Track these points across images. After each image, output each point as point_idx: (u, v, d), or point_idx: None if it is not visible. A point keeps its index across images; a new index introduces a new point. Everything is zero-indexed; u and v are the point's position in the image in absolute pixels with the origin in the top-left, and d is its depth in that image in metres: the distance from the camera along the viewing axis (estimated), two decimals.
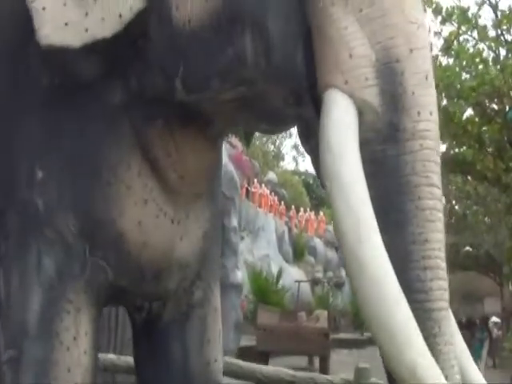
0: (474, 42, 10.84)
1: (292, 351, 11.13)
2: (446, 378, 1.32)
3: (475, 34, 10.96)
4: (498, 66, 9.72)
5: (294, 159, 41.70)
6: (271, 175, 21.21)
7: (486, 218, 19.18)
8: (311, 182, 25.85)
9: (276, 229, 18.20)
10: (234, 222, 10.50)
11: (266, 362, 10.91)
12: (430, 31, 10.85)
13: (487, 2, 10.82)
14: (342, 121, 1.40)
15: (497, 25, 10.51)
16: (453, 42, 10.27)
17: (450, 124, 10.51)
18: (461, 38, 10.52)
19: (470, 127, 10.77)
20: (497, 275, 21.28)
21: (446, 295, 1.41)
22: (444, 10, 10.52)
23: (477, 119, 10.69)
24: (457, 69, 9.75)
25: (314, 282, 14.51)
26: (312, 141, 1.50)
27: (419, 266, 1.37)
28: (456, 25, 10.42)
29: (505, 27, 10.54)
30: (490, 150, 10.98)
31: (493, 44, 10.70)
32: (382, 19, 1.44)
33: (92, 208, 1.69)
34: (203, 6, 1.52)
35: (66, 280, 1.65)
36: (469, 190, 15.97)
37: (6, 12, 1.71)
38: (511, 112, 9.55)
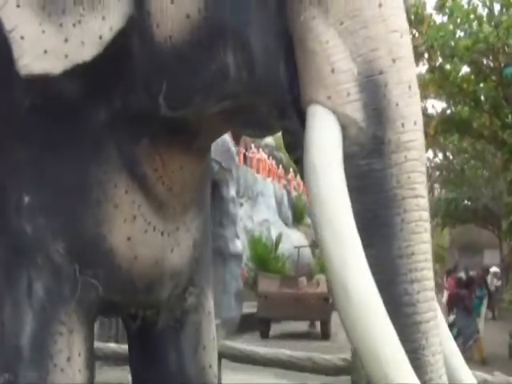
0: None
1: (293, 317, 11.31)
2: None
3: None
4: (493, 23, 9.58)
5: None
6: (268, 139, 21.10)
7: (484, 171, 19.26)
8: None
9: (275, 193, 18.25)
10: (232, 192, 10.52)
11: (267, 329, 11.17)
12: None
13: None
14: (325, 140, 1.40)
15: None
16: None
17: (445, 83, 10.46)
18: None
19: (466, 85, 10.70)
20: (495, 228, 21.49)
21: (434, 305, 1.43)
22: None
23: (472, 77, 10.59)
24: (451, 27, 9.61)
25: (314, 246, 14.62)
26: (298, 152, 1.49)
27: (406, 279, 1.38)
28: None
29: None
30: (485, 107, 10.91)
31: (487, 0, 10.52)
32: (363, 31, 1.42)
33: (81, 228, 1.70)
34: (184, 22, 1.50)
35: (57, 302, 1.67)
36: (466, 146, 15.97)
37: None
38: (507, 69, 9.45)
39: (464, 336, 9.69)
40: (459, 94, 10.94)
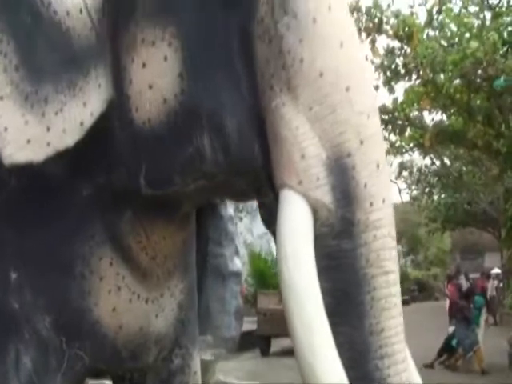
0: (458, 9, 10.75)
1: None
2: None
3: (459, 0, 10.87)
4: (484, 32, 9.62)
5: None
6: None
7: (482, 176, 19.24)
8: None
9: None
10: (230, 210, 10.50)
11: (267, 347, 11.12)
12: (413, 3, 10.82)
13: None
14: (296, 225, 1.43)
15: None
16: (438, 12, 10.16)
17: (438, 95, 10.52)
18: (444, 8, 10.40)
19: (459, 96, 10.76)
20: (496, 230, 21.47)
21: (404, 377, 1.46)
22: None
23: (464, 88, 10.64)
24: (442, 41, 9.68)
25: None
26: (273, 225, 1.52)
27: (377, 355, 1.42)
28: None
29: None
30: (479, 117, 10.96)
31: (477, 8, 10.60)
32: (331, 116, 1.46)
33: (67, 302, 1.73)
34: (161, 106, 1.55)
35: (45, 375, 1.70)
36: (462, 153, 16.00)
37: None
38: (497, 81, 9.51)
39: (464, 347, 9.74)
40: (453, 105, 11.02)
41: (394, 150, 15.01)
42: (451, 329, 10.18)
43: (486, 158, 13.92)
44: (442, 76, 9.77)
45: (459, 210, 21.33)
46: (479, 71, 9.57)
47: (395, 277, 1.47)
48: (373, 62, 10.81)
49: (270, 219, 1.57)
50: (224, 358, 3.85)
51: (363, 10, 10.25)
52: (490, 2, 10.64)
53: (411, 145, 14.67)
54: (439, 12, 10.18)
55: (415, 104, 11.47)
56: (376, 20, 10.06)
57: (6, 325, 1.71)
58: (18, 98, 1.50)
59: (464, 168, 18.92)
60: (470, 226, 23.62)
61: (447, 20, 10.58)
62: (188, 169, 1.58)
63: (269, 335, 10.78)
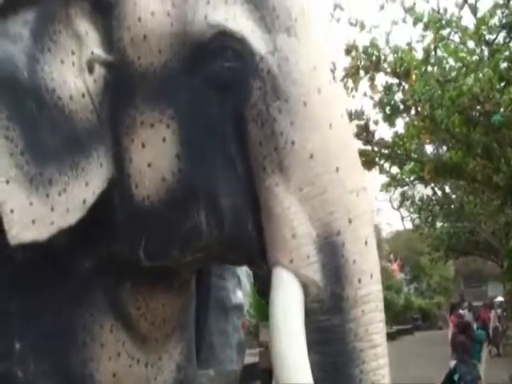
0: (455, 45, 10.95)
1: None
2: None
3: (456, 37, 11.07)
4: (482, 68, 9.78)
5: None
6: None
7: (483, 205, 19.26)
8: None
9: None
10: None
11: (269, 380, 11.02)
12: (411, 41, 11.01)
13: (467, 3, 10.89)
14: (288, 306, 1.51)
15: (476, 28, 10.59)
16: (434, 49, 10.35)
17: (437, 130, 10.66)
18: (441, 44, 10.60)
19: (458, 130, 10.91)
20: (498, 259, 21.43)
21: None
22: (426, 16, 10.60)
23: (463, 123, 10.78)
24: (439, 78, 9.85)
25: None
26: (268, 296, 1.60)
27: None
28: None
29: (484, 27, 10.63)
30: (478, 151, 11.09)
31: (474, 43, 10.79)
32: (321, 196, 1.52)
33: (70, 369, 1.80)
34: (160, 184, 1.64)
35: None
36: (463, 184, 16.09)
37: None
38: (495, 116, 9.66)
39: (465, 383, 9.67)
40: (451, 139, 11.16)
41: (395, 182, 15.15)
42: (453, 363, 10.13)
43: (487, 190, 14.01)
44: (440, 112, 9.91)
45: (461, 239, 21.34)
46: (477, 107, 9.72)
47: (383, 349, 1.56)
48: (372, 98, 10.99)
49: (264, 290, 1.65)
50: None
51: (360, 49, 10.41)
52: (487, 37, 10.83)
53: (412, 178, 14.78)
54: (435, 49, 10.36)
55: (415, 138, 11.61)
56: (374, 58, 10.21)
57: None
58: (23, 181, 1.57)
59: (465, 198, 18.99)
60: (472, 254, 23.59)
61: (445, 54, 10.79)
62: (186, 243, 1.66)
63: (271, 368, 10.68)
